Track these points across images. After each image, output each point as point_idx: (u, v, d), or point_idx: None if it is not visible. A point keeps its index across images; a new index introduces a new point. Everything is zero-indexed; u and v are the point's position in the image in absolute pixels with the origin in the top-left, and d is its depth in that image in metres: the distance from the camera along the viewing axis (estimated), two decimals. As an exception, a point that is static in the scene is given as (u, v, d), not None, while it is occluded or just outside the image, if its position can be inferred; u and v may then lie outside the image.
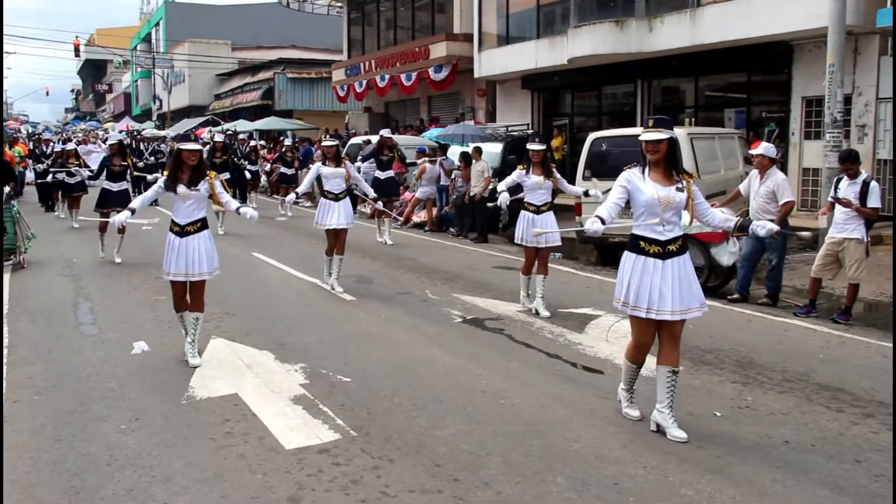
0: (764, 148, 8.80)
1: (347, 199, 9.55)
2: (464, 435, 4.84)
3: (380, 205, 11.76)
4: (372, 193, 10.51)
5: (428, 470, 4.34)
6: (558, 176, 8.32)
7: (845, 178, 8.12)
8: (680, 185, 4.81)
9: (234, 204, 6.60)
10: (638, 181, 4.82)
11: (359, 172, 11.36)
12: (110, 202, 11.93)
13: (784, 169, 14.69)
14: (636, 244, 4.84)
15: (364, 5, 30.03)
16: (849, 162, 8.07)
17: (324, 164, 9.62)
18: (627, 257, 4.89)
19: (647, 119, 5.00)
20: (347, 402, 5.44)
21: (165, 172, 6.49)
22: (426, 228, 15.91)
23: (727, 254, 8.93)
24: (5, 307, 8.50)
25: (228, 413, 5.28)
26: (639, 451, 4.57)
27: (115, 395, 5.72)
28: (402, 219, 16.22)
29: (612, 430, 4.91)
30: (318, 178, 9.64)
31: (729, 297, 8.85)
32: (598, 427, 4.96)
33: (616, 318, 7.70)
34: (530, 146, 8.23)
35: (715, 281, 9.42)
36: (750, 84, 16.56)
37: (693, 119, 17.55)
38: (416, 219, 16.56)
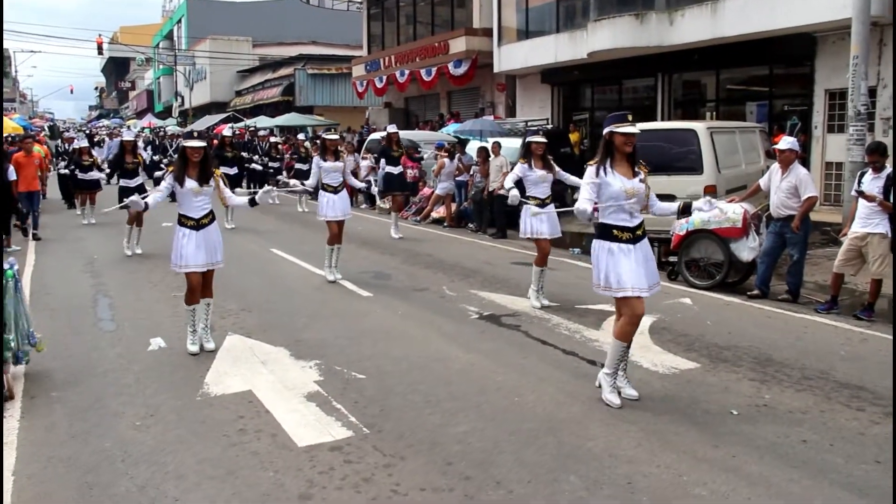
0: (790, 142, 8.64)
1: (345, 192, 10.02)
2: (477, 432, 4.82)
3: (374, 190, 11.99)
4: (360, 185, 11.44)
5: (440, 468, 4.32)
6: (557, 168, 8.46)
7: (869, 171, 7.98)
8: (641, 177, 5.29)
9: (238, 199, 7.10)
10: (605, 175, 5.21)
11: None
12: (130, 196, 12.18)
13: (807, 163, 14.51)
14: (609, 233, 5.24)
15: (384, 1, 30.02)
16: (877, 154, 7.93)
17: (323, 158, 9.88)
18: (602, 245, 5.26)
19: (625, 114, 5.33)
20: (361, 399, 5.43)
21: (171, 168, 6.77)
22: (445, 224, 15.88)
23: (747, 249, 8.80)
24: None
25: (242, 410, 5.29)
26: (653, 450, 4.52)
27: (131, 391, 5.76)
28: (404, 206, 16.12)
29: (626, 427, 4.86)
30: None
31: (749, 294, 8.74)
32: (612, 425, 4.91)
33: (633, 314, 7.64)
34: (532, 139, 8.39)
35: (735, 276, 9.29)
36: (772, 77, 16.32)
37: (714, 113, 17.37)
38: (435, 214, 16.54)
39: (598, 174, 5.21)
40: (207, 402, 5.49)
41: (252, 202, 6.89)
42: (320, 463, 4.42)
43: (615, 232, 5.21)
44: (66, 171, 17.43)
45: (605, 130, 5.28)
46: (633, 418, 5.02)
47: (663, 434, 4.76)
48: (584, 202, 5.21)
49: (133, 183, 12.35)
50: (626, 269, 5.12)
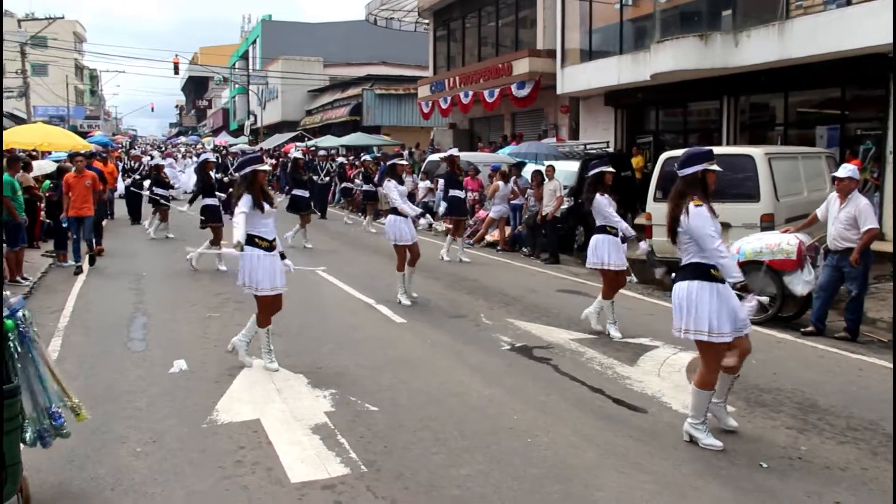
0: (849, 170, 8.14)
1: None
2: (480, 476, 4.53)
3: (424, 221, 10.93)
4: (415, 212, 10.00)
5: (431, 515, 4.06)
6: None
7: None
8: (717, 213, 5.05)
9: (237, 232, 6.77)
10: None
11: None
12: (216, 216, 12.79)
13: (881, 189, 13.75)
14: (707, 273, 4.90)
15: (450, 22, 30.05)
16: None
17: (400, 182, 9.81)
18: (702, 287, 4.88)
19: (711, 150, 5.12)
20: (367, 434, 5.21)
21: (240, 195, 6.50)
22: (498, 248, 15.60)
23: (801, 283, 8.26)
24: (65, 321, 8.72)
25: (244, 440, 5.13)
26: (667, 505, 4.16)
27: (141, 414, 5.68)
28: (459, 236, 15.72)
29: (641, 478, 4.49)
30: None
31: (802, 330, 8.20)
32: (626, 474, 4.55)
33: (673, 349, 7.24)
34: (605, 169, 8.10)
35: (790, 311, 8.75)
36: (844, 99, 15.54)
37: (783, 137, 16.66)
38: (488, 238, 16.28)
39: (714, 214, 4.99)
40: (213, 429, 5.36)
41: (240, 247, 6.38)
42: (309, 502, 4.21)
43: (713, 272, 4.90)
44: (147, 190, 17.11)
45: (696, 168, 5.01)
46: (650, 467, 4.65)
47: (680, 487, 4.37)
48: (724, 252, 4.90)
49: (216, 202, 12.84)
50: (726, 311, 4.87)
